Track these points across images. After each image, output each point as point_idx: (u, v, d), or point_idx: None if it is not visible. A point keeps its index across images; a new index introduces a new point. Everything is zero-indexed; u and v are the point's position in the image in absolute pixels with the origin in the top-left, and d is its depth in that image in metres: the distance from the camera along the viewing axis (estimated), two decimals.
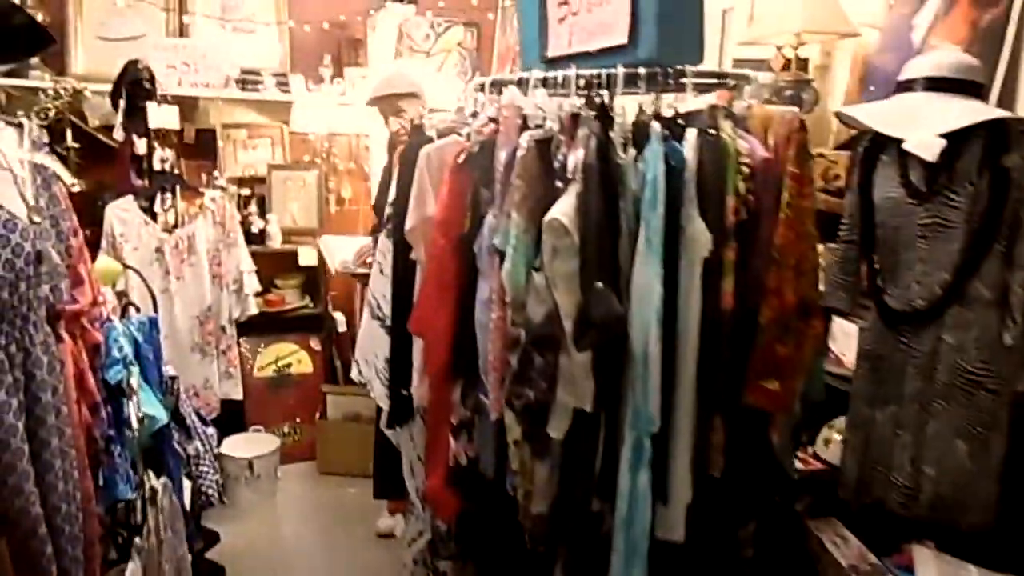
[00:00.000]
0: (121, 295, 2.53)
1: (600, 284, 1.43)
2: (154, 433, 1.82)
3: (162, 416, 1.79)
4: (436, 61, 3.93)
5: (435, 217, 1.63)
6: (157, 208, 2.85)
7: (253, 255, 3.09)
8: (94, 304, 1.66)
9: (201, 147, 3.44)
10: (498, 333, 1.56)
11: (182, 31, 3.41)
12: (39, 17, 3.04)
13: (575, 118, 1.52)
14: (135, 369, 1.76)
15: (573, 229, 1.43)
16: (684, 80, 1.58)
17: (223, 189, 3.18)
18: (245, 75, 3.31)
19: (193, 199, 3.04)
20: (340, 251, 2.97)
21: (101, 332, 1.70)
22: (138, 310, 1.94)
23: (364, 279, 2.81)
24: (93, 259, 2.91)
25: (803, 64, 2.66)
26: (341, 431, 3.36)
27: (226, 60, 3.26)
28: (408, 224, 1.71)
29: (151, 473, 1.73)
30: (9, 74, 3.02)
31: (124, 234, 2.74)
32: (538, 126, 1.57)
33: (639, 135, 1.51)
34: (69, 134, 3.00)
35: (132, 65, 2.83)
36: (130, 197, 2.76)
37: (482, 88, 1.85)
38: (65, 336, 1.51)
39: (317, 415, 3.50)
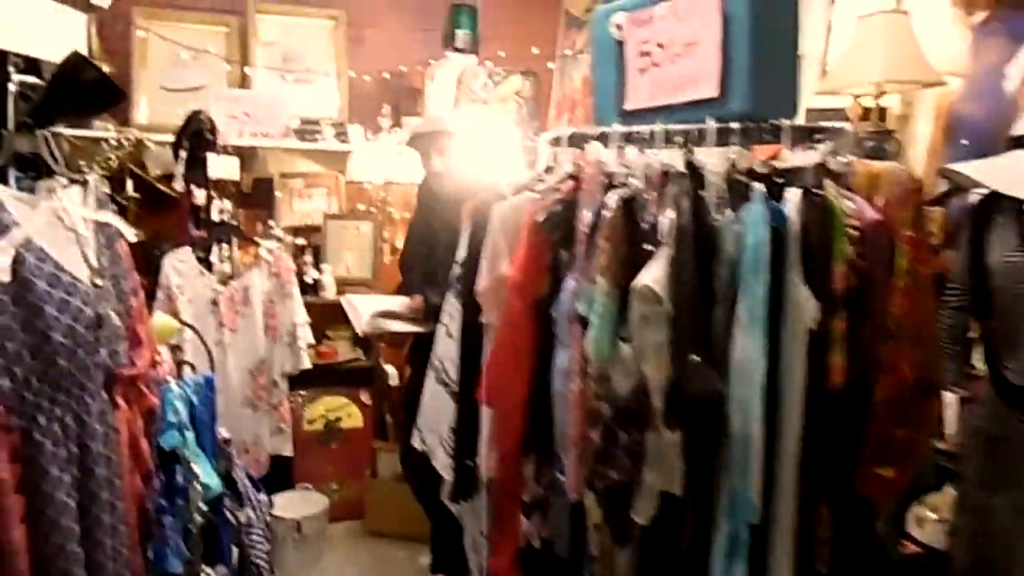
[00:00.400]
0: (175, 348, 2.50)
1: (696, 357, 1.32)
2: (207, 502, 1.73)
3: (216, 485, 1.70)
4: (494, 110, 3.89)
5: (511, 279, 1.54)
6: (214, 259, 2.82)
7: (306, 305, 3.03)
8: (152, 365, 1.60)
9: (258, 196, 3.43)
10: (579, 406, 1.45)
11: (243, 82, 3.44)
12: (105, 68, 3.09)
13: (665, 175, 1.42)
14: (190, 434, 1.69)
15: (665, 296, 1.32)
16: (780, 135, 1.49)
17: (279, 239, 3.15)
18: (304, 125, 3.31)
19: (249, 249, 3.01)
20: (366, 310, 2.77)
21: (157, 395, 1.63)
22: (194, 369, 1.88)
23: (393, 338, 2.75)
24: (149, 310, 2.92)
25: (882, 114, 2.55)
26: (392, 490, 3.24)
27: (285, 110, 3.26)
28: (480, 285, 1.62)
29: (206, 569, 1.64)
30: (73, 124, 3.05)
31: (180, 285, 2.70)
32: (622, 184, 1.48)
33: (736, 194, 1.40)
34: (130, 184, 3.00)
35: (195, 116, 2.83)
36: (188, 248, 2.73)
37: (556, 142, 1.78)
38: (121, 402, 1.44)
39: (367, 472, 3.40)
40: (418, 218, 2.94)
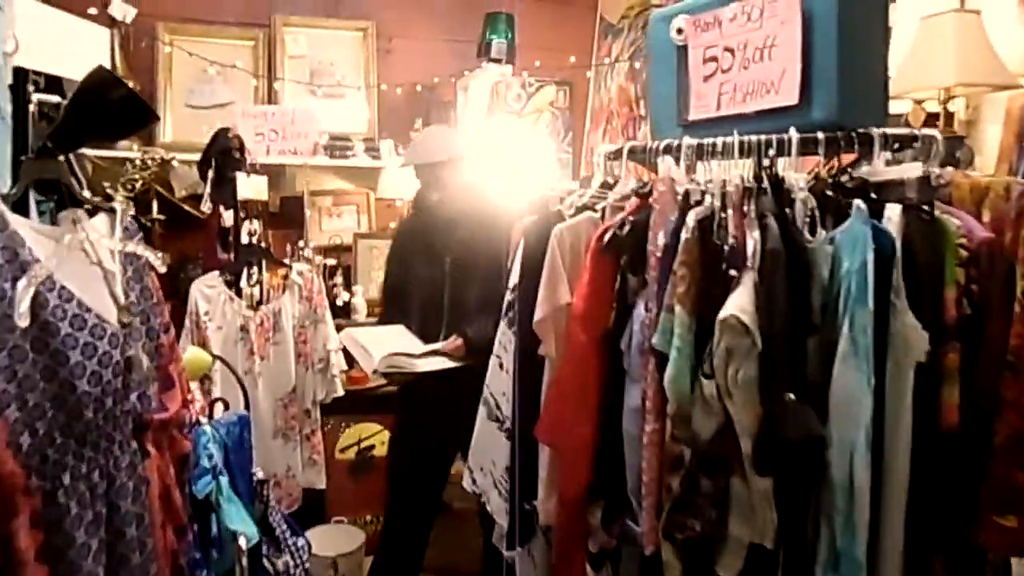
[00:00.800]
0: (204, 379, 2.40)
1: (791, 395, 1.18)
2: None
3: (253, 534, 1.58)
4: (527, 122, 3.78)
5: (573, 308, 1.41)
6: (243, 283, 2.73)
7: (337, 329, 2.93)
8: (184, 405, 1.49)
9: (286, 216, 3.35)
10: (654, 449, 1.32)
11: (271, 97, 3.36)
12: (129, 85, 3.01)
13: (749, 191, 1.29)
14: (224, 480, 1.57)
15: (753, 327, 1.19)
16: (871, 145, 1.36)
17: (309, 261, 3.06)
18: (334, 141, 3.22)
19: (278, 272, 2.91)
20: (376, 347, 2.41)
21: (190, 438, 1.52)
22: (227, 406, 1.76)
23: (404, 379, 2.44)
24: (177, 339, 2.83)
25: (948, 119, 2.40)
26: (450, 525, 3.11)
27: (315, 126, 3.17)
28: (537, 314, 1.50)
29: None
30: (96, 144, 2.98)
31: (209, 312, 2.61)
32: (697, 202, 1.35)
33: (829, 212, 1.27)
34: (155, 205, 2.92)
35: (222, 133, 2.75)
36: (215, 273, 2.64)
37: (616, 155, 1.65)
38: (152, 450, 1.33)
39: None
40: (409, 243, 2.65)
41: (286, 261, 2.94)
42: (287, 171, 3.27)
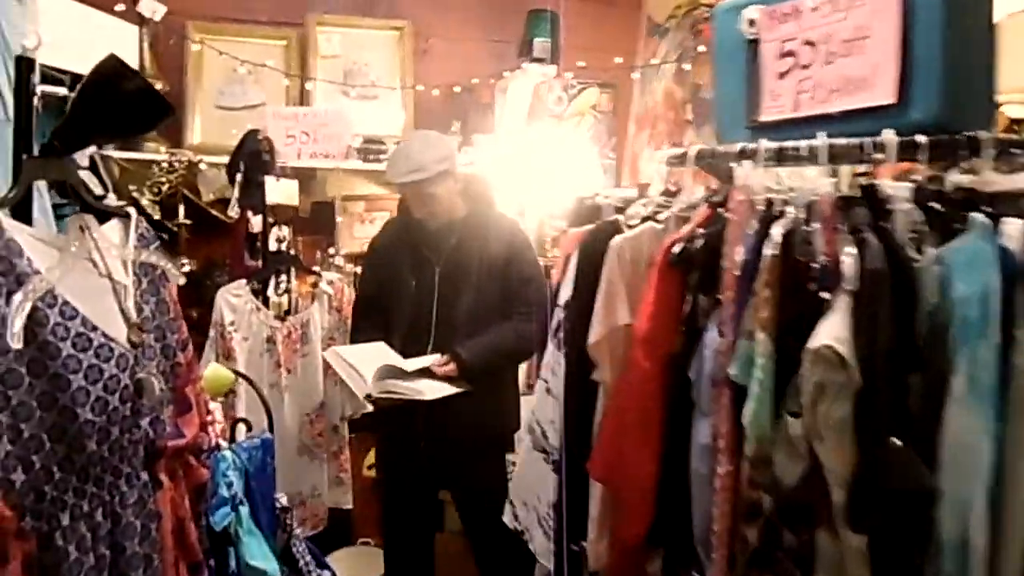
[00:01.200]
0: (229, 394, 2.29)
1: (896, 440, 1.03)
2: None
3: (275, 570, 1.46)
4: (569, 126, 3.65)
5: (635, 330, 1.27)
6: (270, 292, 2.62)
7: None
8: (202, 429, 1.37)
9: (317, 221, 3.24)
10: (727, 495, 1.17)
11: (302, 99, 3.26)
12: (158, 86, 2.93)
13: (842, 202, 1.14)
14: (244, 510, 1.46)
15: (851, 359, 1.04)
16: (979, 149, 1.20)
17: (340, 269, 2.94)
18: (367, 144, 3.11)
19: (307, 280, 2.80)
20: (365, 366, 2.17)
21: (208, 465, 1.40)
22: (249, 427, 1.65)
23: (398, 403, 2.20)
24: (200, 350, 2.72)
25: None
26: (462, 546, 2.97)
27: (347, 128, 3.06)
28: (592, 335, 1.36)
29: None
30: (122, 146, 2.91)
31: (234, 322, 2.51)
32: (779, 213, 1.20)
33: (937, 227, 1.11)
34: (182, 209, 2.83)
35: (251, 135, 2.65)
36: (242, 281, 2.54)
37: (679, 160, 1.51)
38: (165, 480, 1.22)
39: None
40: (392, 250, 2.44)
41: (316, 269, 2.84)
42: (318, 175, 3.16)
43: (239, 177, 2.58)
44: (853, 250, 1.09)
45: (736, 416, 1.15)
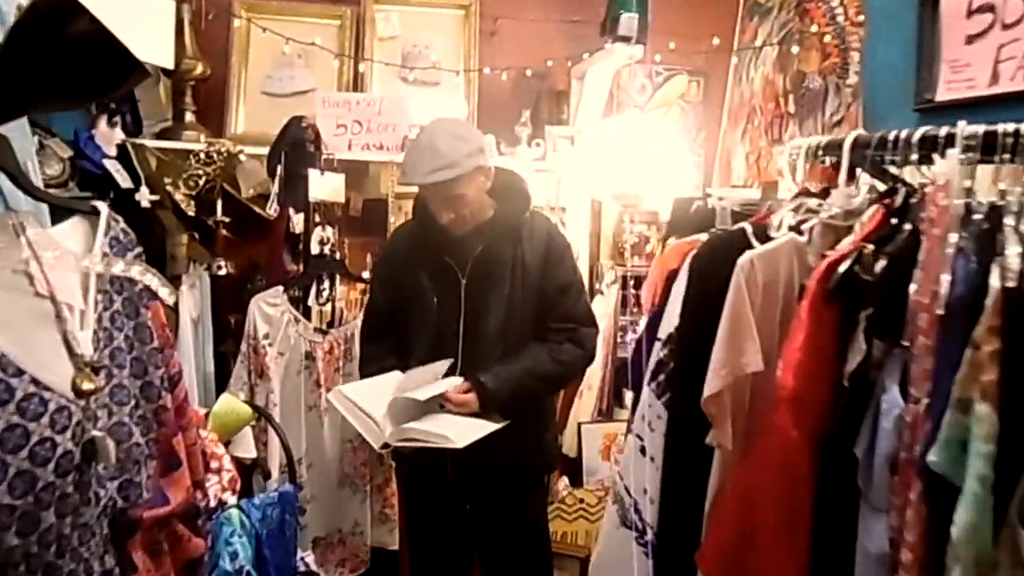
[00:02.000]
0: (261, 417, 2.03)
1: None
2: None
3: None
4: (653, 118, 3.31)
5: (778, 384, 0.94)
6: (311, 301, 2.37)
7: None
8: (198, 488, 1.10)
9: (367, 221, 2.98)
10: None
11: (355, 84, 3.01)
12: (198, 69, 2.72)
13: None
14: None
15: None
16: None
17: None
18: None
19: (355, 288, 2.55)
20: (375, 406, 1.83)
21: (206, 531, 1.13)
22: (267, 475, 1.38)
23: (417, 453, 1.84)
24: (231, 362, 2.47)
25: None
26: None
27: (405, 117, 2.79)
28: (710, 386, 1.03)
29: None
30: (160, 135, 2.70)
31: (269, 335, 2.26)
32: (996, 225, 0.86)
33: None
34: (219, 206, 2.60)
35: (295, 123, 2.41)
36: (279, 288, 2.29)
37: (830, 149, 1.17)
38: (141, 560, 0.95)
39: None
40: (409, 259, 2.07)
41: (364, 275, 2.58)
42: (370, 169, 2.90)
43: (279, 170, 2.33)
44: None
45: (933, 518, 0.81)
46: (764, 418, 0.97)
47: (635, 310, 3.14)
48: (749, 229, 1.13)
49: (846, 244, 1.01)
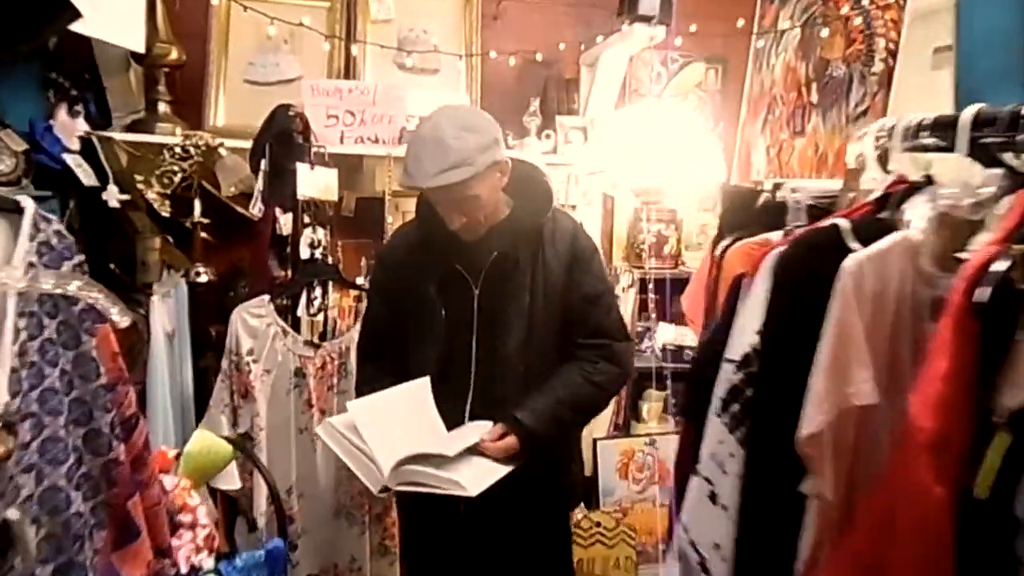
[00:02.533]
0: (245, 439, 1.83)
1: None
2: None
3: None
4: (668, 107, 3.13)
5: (912, 427, 0.74)
6: (301, 311, 2.17)
7: None
8: (165, 555, 0.90)
9: (361, 221, 2.79)
10: None
11: (347, 71, 2.80)
12: (173, 55, 2.51)
13: None
14: None
15: None
16: None
17: None
18: None
19: (348, 295, 2.35)
20: (380, 441, 1.59)
21: None
22: (252, 526, 1.17)
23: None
24: (212, 381, 2.24)
25: None
26: None
27: (401, 108, 2.59)
28: (809, 422, 0.84)
29: None
30: (131, 127, 2.49)
31: (253, 350, 2.06)
32: None
33: None
34: (197, 205, 2.39)
35: (281, 111, 2.20)
36: (264, 297, 2.09)
37: (936, 127, 0.98)
38: None
39: None
40: (412, 266, 1.84)
41: (359, 281, 2.38)
42: (364, 164, 2.70)
43: (264, 165, 2.13)
44: None
45: None
46: (891, 469, 0.77)
47: (653, 316, 2.96)
48: (844, 225, 0.93)
49: (979, 244, 0.81)
